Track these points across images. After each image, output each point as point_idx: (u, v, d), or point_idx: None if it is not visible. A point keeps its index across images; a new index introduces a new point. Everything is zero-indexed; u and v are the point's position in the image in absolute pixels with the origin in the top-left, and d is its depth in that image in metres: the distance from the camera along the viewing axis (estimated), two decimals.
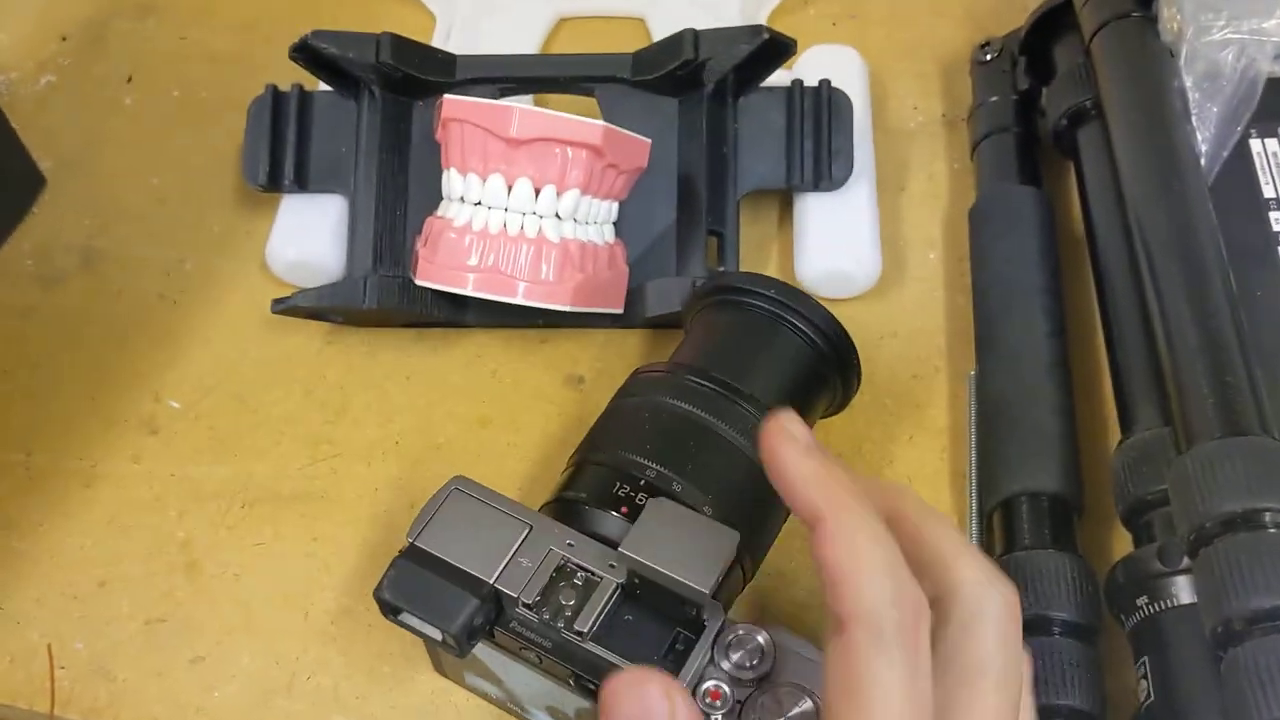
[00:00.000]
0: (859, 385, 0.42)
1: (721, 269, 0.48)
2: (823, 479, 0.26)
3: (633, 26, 0.59)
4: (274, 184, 0.50)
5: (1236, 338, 0.37)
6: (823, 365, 0.41)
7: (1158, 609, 0.34)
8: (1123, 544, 0.39)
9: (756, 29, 0.47)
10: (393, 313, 0.48)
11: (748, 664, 0.32)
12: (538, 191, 0.43)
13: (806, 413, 0.41)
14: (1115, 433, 0.41)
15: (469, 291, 0.43)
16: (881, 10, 0.58)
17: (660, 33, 0.58)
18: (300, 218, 0.50)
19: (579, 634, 0.33)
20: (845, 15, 0.58)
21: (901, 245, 0.50)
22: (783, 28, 0.57)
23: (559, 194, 0.43)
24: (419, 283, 0.44)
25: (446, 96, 0.44)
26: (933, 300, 0.48)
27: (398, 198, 0.49)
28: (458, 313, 0.48)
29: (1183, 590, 0.34)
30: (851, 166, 0.49)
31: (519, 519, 0.35)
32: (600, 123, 0.42)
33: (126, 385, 0.48)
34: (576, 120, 0.42)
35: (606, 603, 0.33)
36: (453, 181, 0.44)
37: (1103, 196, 0.45)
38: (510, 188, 0.43)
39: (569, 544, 0.34)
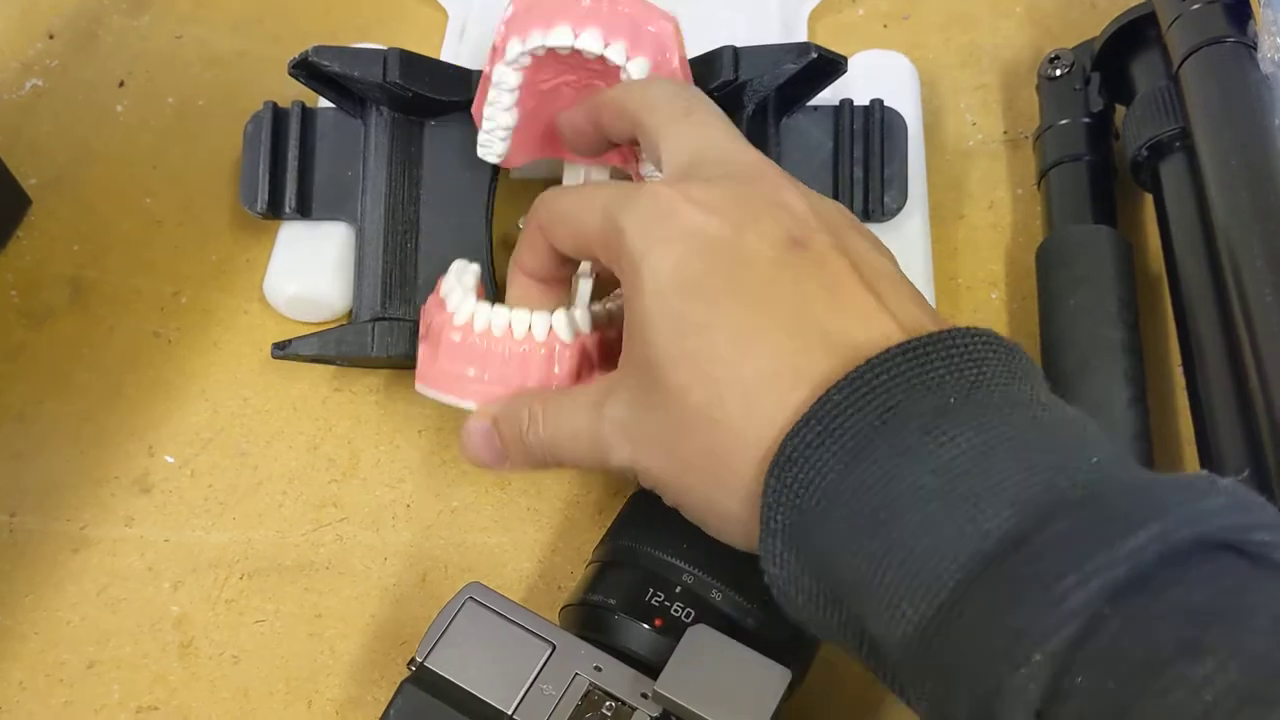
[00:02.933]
0: None
1: None
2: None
3: None
4: (274, 211, 0.46)
5: None
6: None
7: None
8: None
9: (804, 47, 0.43)
10: (404, 358, 0.44)
11: None
12: None
13: None
14: None
15: (474, 405, 0.38)
16: (937, 11, 0.53)
17: (692, 33, 0.53)
18: (302, 247, 0.46)
19: None
20: (897, 16, 0.53)
21: (959, 283, 0.46)
22: (828, 29, 0.53)
23: None
24: (418, 388, 0.39)
25: None
26: None
27: (409, 229, 0.45)
28: None
29: None
30: (905, 196, 0.44)
31: (541, 637, 0.31)
32: None
33: (119, 438, 0.44)
34: None
35: None
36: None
37: (1189, 241, 0.40)
38: None
39: (596, 668, 0.31)
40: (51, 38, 0.56)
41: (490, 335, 0.37)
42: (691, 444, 0.30)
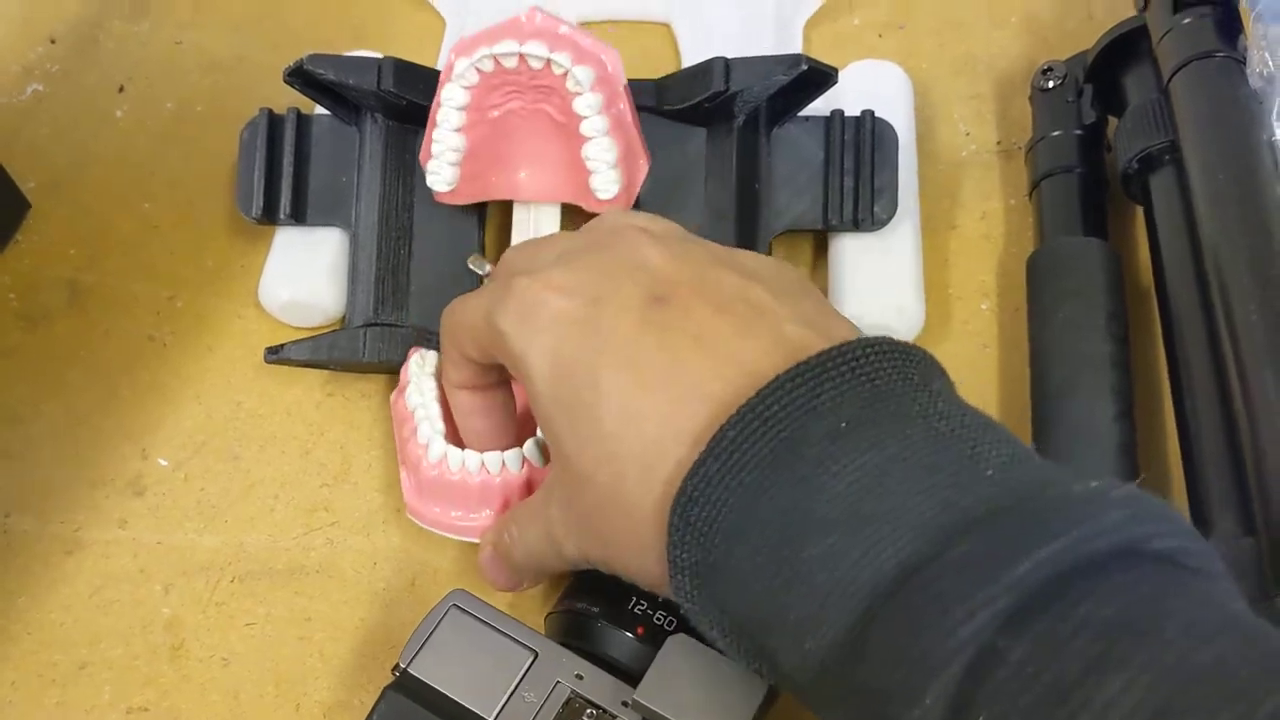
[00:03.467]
0: None
1: None
2: None
3: (658, 33, 0.54)
4: (269, 216, 0.46)
5: None
6: None
7: None
8: None
9: (795, 59, 0.43)
10: (395, 364, 0.44)
11: None
12: None
13: None
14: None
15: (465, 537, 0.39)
16: (932, 20, 0.53)
17: (687, 40, 0.53)
18: (296, 252, 0.46)
19: None
20: (892, 25, 0.53)
21: (950, 293, 0.46)
22: (823, 37, 0.53)
23: None
24: (410, 517, 0.40)
25: None
26: (984, 358, 0.44)
27: (402, 235, 0.46)
28: None
29: None
30: (895, 206, 0.44)
31: (523, 644, 0.32)
32: None
33: (113, 440, 0.45)
34: None
35: None
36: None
37: (1178, 254, 0.40)
38: None
39: (578, 676, 0.31)
40: (53, 42, 0.56)
41: (466, 473, 0.38)
42: (611, 522, 0.30)
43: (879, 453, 0.26)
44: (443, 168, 0.42)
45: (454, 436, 0.39)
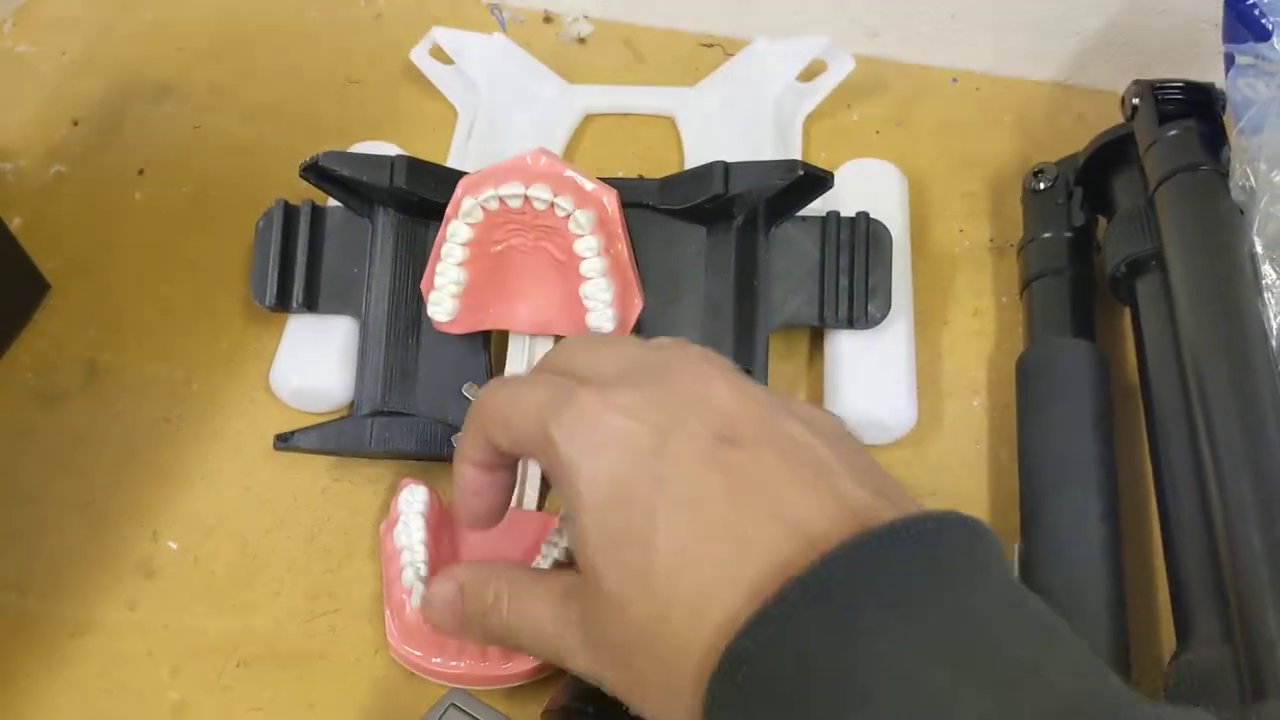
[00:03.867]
0: None
1: None
2: None
3: (661, 124, 0.56)
4: (282, 304, 0.48)
5: None
6: None
7: None
8: None
9: (792, 164, 0.44)
10: (400, 453, 0.45)
11: None
12: None
13: None
14: (1170, 630, 0.38)
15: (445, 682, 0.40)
16: (929, 118, 0.55)
17: (689, 132, 0.55)
18: (307, 340, 0.48)
19: None
20: (890, 122, 0.55)
21: (942, 389, 0.47)
22: (823, 132, 0.55)
23: None
24: (392, 655, 0.41)
25: None
26: (975, 454, 0.45)
27: (410, 326, 0.47)
28: None
29: None
30: (889, 305, 0.46)
31: None
32: None
33: (124, 521, 0.46)
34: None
35: None
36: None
37: (1162, 359, 0.41)
38: None
39: None
40: (76, 124, 0.58)
41: None
42: (641, 657, 0.29)
43: (937, 636, 0.25)
44: (444, 299, 0.44)
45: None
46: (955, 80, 0.56)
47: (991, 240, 0.51)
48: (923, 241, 0.51)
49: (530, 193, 0.42)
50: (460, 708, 0.33)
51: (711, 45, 0.59)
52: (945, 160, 0.53)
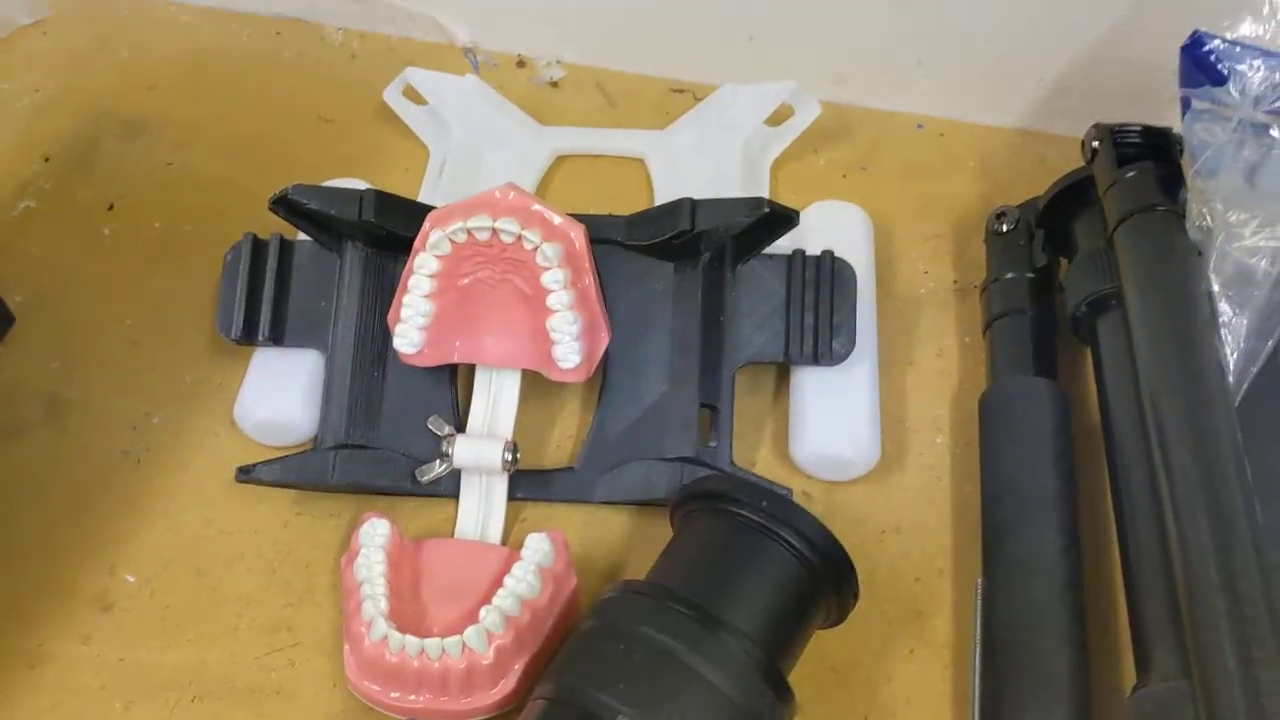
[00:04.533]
0: (855, 603, 0.39)
1: (714, 444, 0.46)
2: None
3: (632, 166, 0.57)
4: (249, 337, 0.48)
5: (1263, 588, 0.33)
6: (818, 585, 0.38)
7: None
8: None
9: (757, 201, 0.45)
10: (363, 486, 0.45)
11: None
12: None
13: (797, 637, 0.38)
14: (1130, 664, 0.38)
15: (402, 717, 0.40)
16: (894, 162, 0.56)
17: (659, 174, 0.56)
18: (273, 373, 0.48)
19: None
20: (855, 166, 0.56)
21: (906, 426, 0.47)
22: (789, 175, 0.56)
23: None
24: (350, 689, 0.41)
25: None
26: (938, 490, 0.46)
27: (376, 359, 0.47)
28: (434, 484, 0.45)
29: None
30: (853, 343, 0.46)
31: None
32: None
33: (83, 555, 0.45)
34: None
35: None
36: None
37: (1121, 400, 0.42)
38: None
39: None
40: (47, 160, 0.58)
41: (405, 656, 0.38)
42: None
43: None
44: (410, 331, 0.44)
45: (397, 614, 0.40)
46: (920, 126, 0.57)
47: (955, 281, 0.51)
48: (888, 283, 0.51)
49: (498, 225, 0.42)
50: None
51: (682, 91, 0.59)
52: (910, 203, 0.54)
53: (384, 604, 0.39)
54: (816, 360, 0.46)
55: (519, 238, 0.42)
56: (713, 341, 0.46)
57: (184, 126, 0.59)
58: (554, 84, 0.60)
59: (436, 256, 0.43)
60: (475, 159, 0.56)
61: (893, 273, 0.52)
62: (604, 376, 0.46)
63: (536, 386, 0.47)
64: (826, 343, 0.46)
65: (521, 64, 0.61)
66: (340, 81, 0.61)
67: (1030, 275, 0.47)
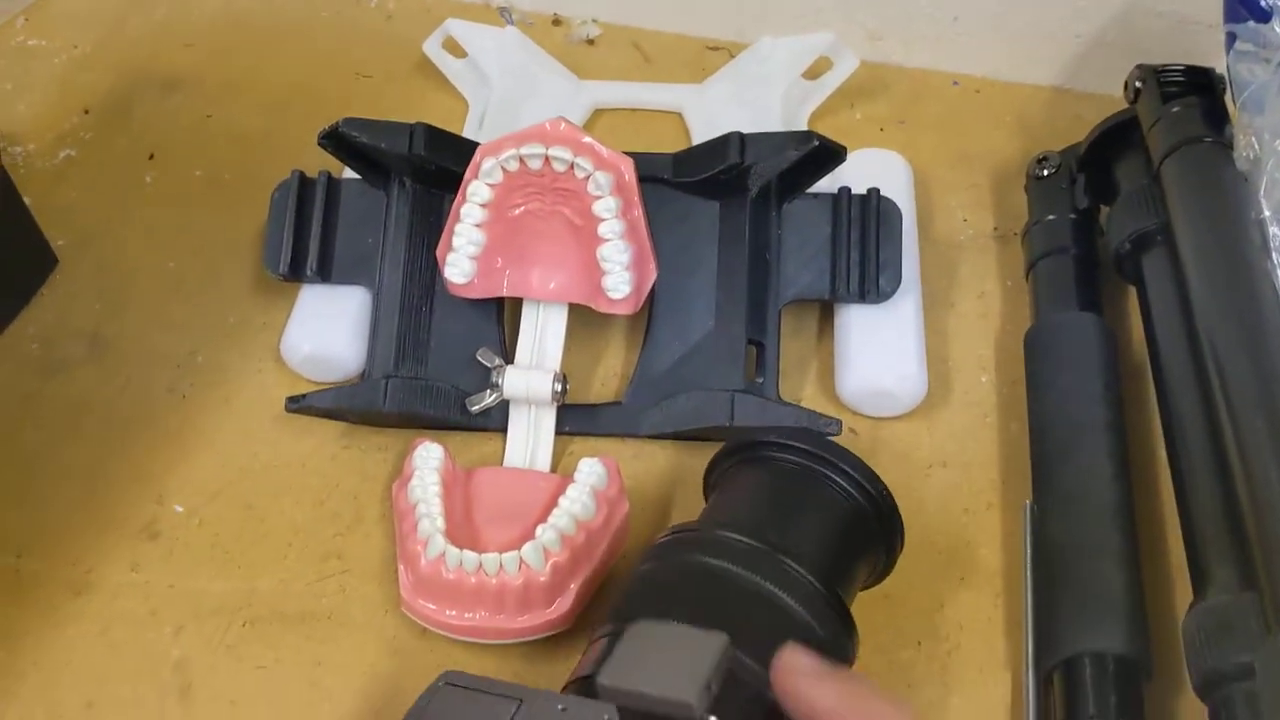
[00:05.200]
0: (901, 550, 0.39)
1: (760, 380, 0.46)
2: (843, 697, 0.29)
3: (669, 120, 0.57)
4: (296, 274, 0.48)
5: None
6: (867, 524, 0.38)
7: None
8: (1194, 713, 0.36)
9: (806, 135, 0.45)
10: (414, 415, 0.45)
11: None
12: None
13: (853, 572, 0.38)
14: (1184, 584, 0.38)
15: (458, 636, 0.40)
16: (931, 117, 0.56)
17: (697, 128, 0.56)
18: (319, 309, 0.48)
19: None
20: (893, 120, 0.56)
21: (950, 366, 0.47)
22: (826, 129, 0.55)
23: None
24: (405, 610, 0.41)
25: None
26: (985, 427, 0.46)
27: (424, 295, 0.47)
28: (482, 417, 0.45)
29: None
30: (899, 279, 0.46)
31: (508, 696, 0.32)
32: None
33: (128, 486, 0.45)
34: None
35: None
36: None
37: (1171, 330, 0.42)
38: None
39: (561, 709, 0.31)
40: (87, 113, 0.58)
41: (463, 572, 0.38)
42: None
43: None
44: (461, 260, 0.44)
45: (453, 534, 0.40)
46: (956, 83, 0.58)
47: (995, 229, 0.52)
48: (928, 229, 0.51)
49: (551, 153, 0.42)
50: (454, 683, 0.32)
51: (717, 49, 0.60)
52: (947, 156, 0.54)
53: (440, 522, 0.39)
54: (863, 298, 0.46)
55: (571, 166, 0.43)
56: (759, 279, 0.47)
57: (221, 83, 0.60)
58: (590, 41, 0.61)
59: (489, 185, 0.43)
60: (514, 111, 0.56)
61: (932, 221, 0.52)
62: (650, 314, 0.47)
63: (581, 323, 0.47)
64: (873, 280, 0.46)
65: (557, 22, 0.62)
66: (377, 39, 0.61)
67: (1072, 216, 0.48)
